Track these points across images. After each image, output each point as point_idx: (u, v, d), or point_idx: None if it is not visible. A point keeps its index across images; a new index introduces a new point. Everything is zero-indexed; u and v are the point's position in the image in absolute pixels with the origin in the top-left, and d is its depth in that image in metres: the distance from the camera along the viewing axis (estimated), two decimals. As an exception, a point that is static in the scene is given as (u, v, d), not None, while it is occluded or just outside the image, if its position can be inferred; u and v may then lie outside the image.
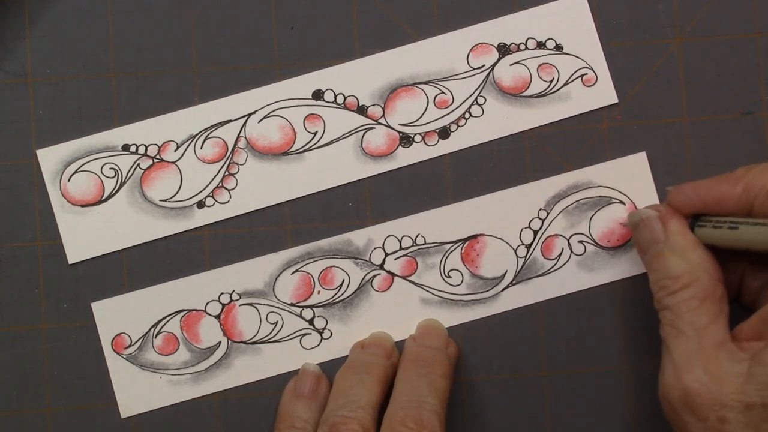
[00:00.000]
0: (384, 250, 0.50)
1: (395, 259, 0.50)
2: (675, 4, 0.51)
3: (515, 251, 0.50)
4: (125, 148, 0.50)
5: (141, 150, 0.50)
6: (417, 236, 0.50)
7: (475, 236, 0.50)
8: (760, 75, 0.51)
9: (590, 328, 0.50)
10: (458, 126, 0.50)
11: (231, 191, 0.50)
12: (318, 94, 0.50)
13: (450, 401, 0.49)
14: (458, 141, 0.50)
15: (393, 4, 0.51)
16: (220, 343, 0.50)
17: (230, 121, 0.50)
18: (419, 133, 0.50)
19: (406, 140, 0.50)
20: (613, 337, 0.50)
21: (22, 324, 0.50)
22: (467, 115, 0.50)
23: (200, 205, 0.50)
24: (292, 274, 0.50)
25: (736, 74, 0.51)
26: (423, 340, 0.48)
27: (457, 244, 0.50)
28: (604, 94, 0.50)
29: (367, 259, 0.50)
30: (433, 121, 0.50)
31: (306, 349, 0.50)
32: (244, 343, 0.50)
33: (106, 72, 0.50)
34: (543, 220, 0.50)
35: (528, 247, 0.50)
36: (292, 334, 0.50)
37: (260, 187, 0.50)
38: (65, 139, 0.50)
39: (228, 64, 0.50)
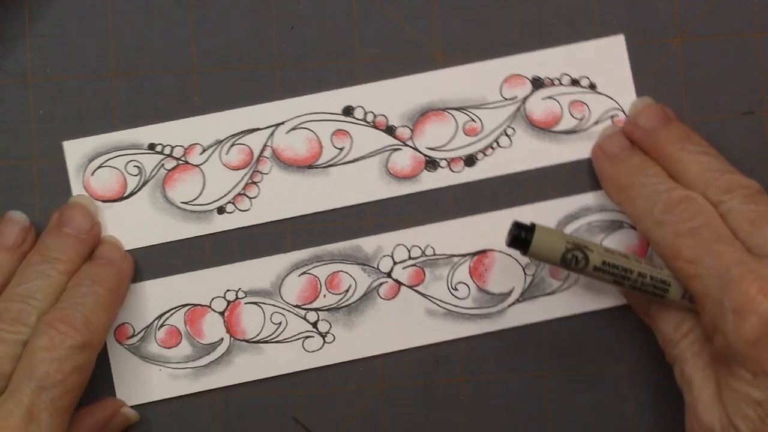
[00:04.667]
0: (393, 259, 0.50)
1: (403, 268, 0.50)
2: (675, 4, 0.51)
3: (524, 269, 0.50)
4: (151, 147, 0.50)
5: (167, 150, 0.50)
6: (426, 247, 0.50)
7: (484, 251, 0.50)
8: (760, 75, 0.51)
9: (590, 328, 0.50)
10: (485, 155, 0.50)
11: (252, 199, 0.50)
12: (348, 111, 0.50)
13: (450, 401, 0.49)
14: (484, 170, 0.50)
15: (393, 4, 0.51)
16: (222, 339, 0.50)
17: (258, 129, 0.50)
18: (445, 159, 0.50)
19: (431, 164, 0.50)
20: (613, 338, 0.50)
21: (22, 324, 0.49)
22: (495, 144, 0.50)
23: (220, 210, 0.50)
24: (299, 276, 0.50)
25: (736, 74, 0.51)
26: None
27: (466, 258, 0.50)
28: None
29: (375, 267, 0.50)
30: (460, 147, 0.50)
31: (308, 351, 0.50)
32: (247, 341, 0.50)
33: (106, 72, 0.50)
34: None
35: (537, 265, 0.50)
36: (294, 335, 0.50)
37: (282, 198, 0.50)
38: (65, 139, 0.50)
39: (228, 64, 0.50)
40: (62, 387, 0.43)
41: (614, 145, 0.49)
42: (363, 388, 0.50)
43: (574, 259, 0.44)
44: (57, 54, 0.50)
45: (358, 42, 0.51)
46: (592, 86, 0.50)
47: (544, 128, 0.50)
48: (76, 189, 0.50)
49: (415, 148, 0.50)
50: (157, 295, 0.50)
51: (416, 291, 0.50)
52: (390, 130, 0.50)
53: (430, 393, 0.50)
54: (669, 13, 0.51)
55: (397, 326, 0.50)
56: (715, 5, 0.51)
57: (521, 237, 0.44)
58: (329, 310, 0.50)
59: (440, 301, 0.50)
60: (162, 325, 0.50)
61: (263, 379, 0.50)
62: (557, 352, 0.50)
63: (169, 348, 0.50)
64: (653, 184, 0.46)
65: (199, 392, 0.50)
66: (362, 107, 0.50)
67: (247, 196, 0.50)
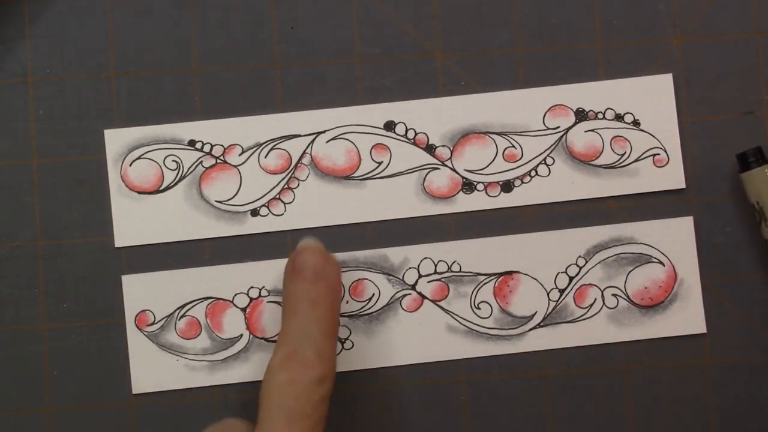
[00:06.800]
0: (418, 272, 0.50)
1: (428, 281, 0.50)
2: (675, 4, 0.51)
3: (548, 294, 0.50)
4: (191, 143, 0.50)
5: (206, 148, 0.50)
6: (453, 263, 0.50)
7: (510, 272, 0.50)
8: (760, 75, 0.51)
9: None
10: (522, 182, 0.50)
11: (287, 204, 0.50)
12: (390, 126, 0.50)
13: (450, 401, 0.49)
14: (520, 197, 0.50)
15: (393, 4, 0.51)
16: (241, 336, 0.50)
17: (299, 135, 0.50)
18: (482, 182, 0.50)
19: (468, 186, 0.50)
20: (613, 338, 0.50)
21: (22, 324, 0.50)
22: (533, 173, 0.50)
23: (254, 213, 0.50)
24: None
25: (736, 74, 0.51)
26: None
27: (492, 278, 0.50)
28: (672, 177, 0.50)
29: (401, 278, 0.50)
30: (498, 172, 0.50)
31: None
32: (266, 339, 0.50)
33: (106, 72, 0.50)
34: (581, 268, 0.50)
35: (561, 291, 0.50)
36: None
37: (316, 207, 0.50)
38: (65, 138, 0.50)
39: (228, 64, 0.50)
40: (312, 420, 0.42)
41: None
42: (363, 388, 0.50)
43: None
44: (57, 54, 0.50)
45: (358, 42, 0.51)
46: (636, 123, 0.50)
47: (583, 161, 0.50)
48: (113, 177, 0.50)
49: (454, 169, 0.50)
50: (180, 286, 0.50)
51: (439, 306, 0.50)
52: (430, 149, 0.50)
53: (430, 393, 0.50)
54: (669, 13, 0.51)
55: (417, 339, 0.50)
56: (715, 5, 0.51)
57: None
58: (351, 316, 0.50)
59: (462, 318, 0.50)
60: (183, 316, 0.50)
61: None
62: (557, 352, 0.50)
63: (188, 339, 0.50)
64: None
65: (199, 392, 0.50)
66: (404, 123, 0.50)
67: (282, 201, 0.50)
